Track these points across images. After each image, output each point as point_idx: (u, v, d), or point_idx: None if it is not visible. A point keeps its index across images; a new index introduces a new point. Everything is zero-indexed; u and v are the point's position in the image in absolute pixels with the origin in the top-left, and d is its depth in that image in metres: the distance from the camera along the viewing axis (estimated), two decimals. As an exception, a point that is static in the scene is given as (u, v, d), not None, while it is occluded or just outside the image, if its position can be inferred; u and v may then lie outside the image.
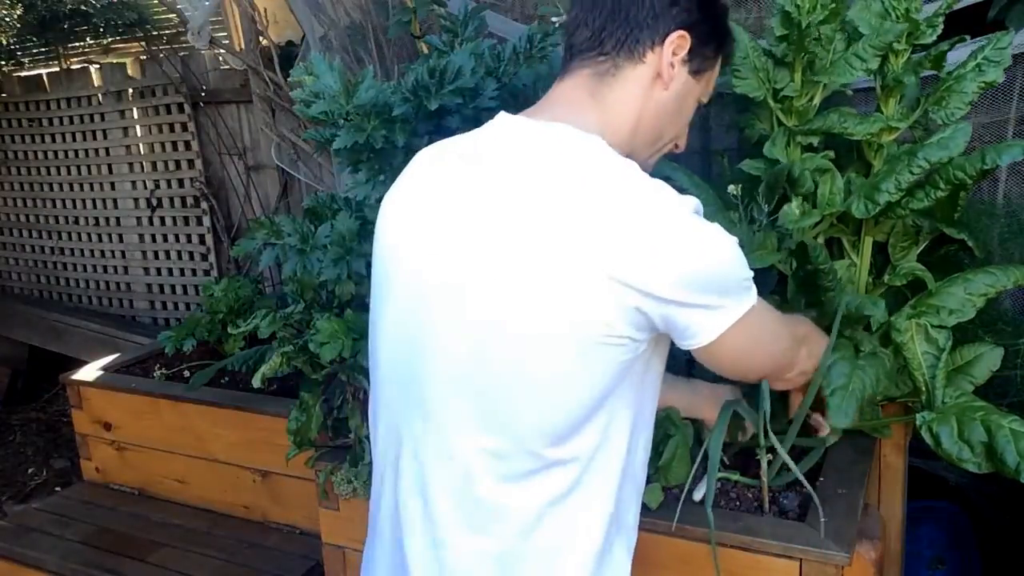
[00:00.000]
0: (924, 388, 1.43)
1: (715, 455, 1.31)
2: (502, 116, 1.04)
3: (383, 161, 1.45)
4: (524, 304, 0.91)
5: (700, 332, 0.95)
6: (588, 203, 0.90)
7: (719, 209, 1.57)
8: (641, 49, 1.00)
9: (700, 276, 0.91)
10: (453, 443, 0.97)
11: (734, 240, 0.95)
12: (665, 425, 1.41)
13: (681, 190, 1.45)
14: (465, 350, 0.95)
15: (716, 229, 0.94)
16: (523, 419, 0.94)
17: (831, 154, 1.53)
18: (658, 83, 1.02)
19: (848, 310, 1.41)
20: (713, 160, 2.00)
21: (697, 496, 1.42)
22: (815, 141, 1.54)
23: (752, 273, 0.98)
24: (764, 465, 1.37)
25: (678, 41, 1.01)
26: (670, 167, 1.60)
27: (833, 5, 1.45)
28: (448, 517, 0.98)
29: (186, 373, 2.47)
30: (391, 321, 1.03)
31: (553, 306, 0.90)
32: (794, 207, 1.49)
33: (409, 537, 1.01)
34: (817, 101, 1.52)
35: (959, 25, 1.61)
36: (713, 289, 0.93)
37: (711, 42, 1.06)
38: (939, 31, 1.43)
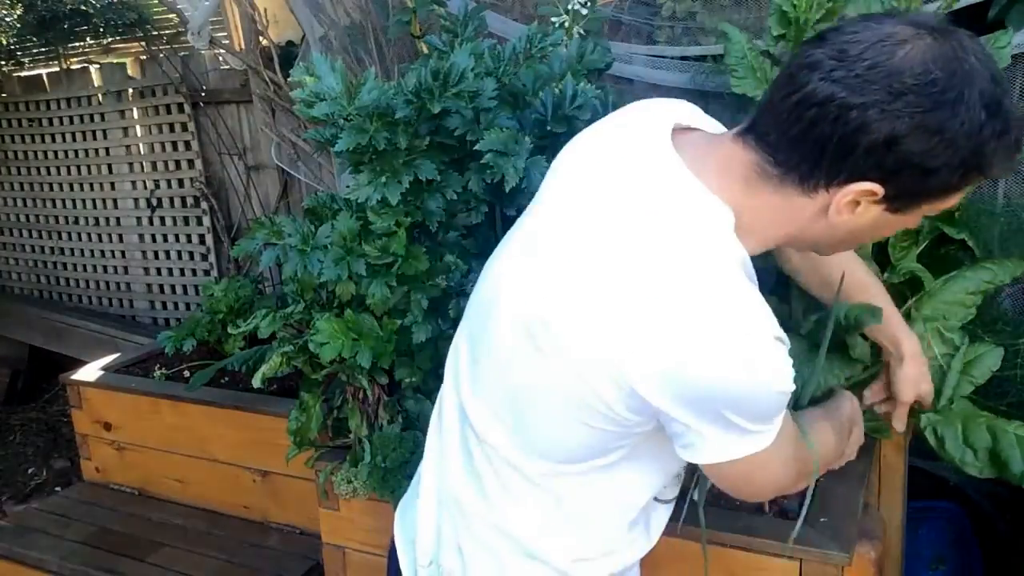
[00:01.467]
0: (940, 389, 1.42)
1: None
2: (667, 148, 0.91)
3: (385, 162, 1.45)
4: (543, 342, 0.90)
5: (697, 449, 0.89)
6: (644, 280, 0.84)
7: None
8: (812, 183, 0.84)
9: (706, 395, 0.84)
10: (481, 424, 1.01)
11: (786, 372, 0.84)
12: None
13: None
14: (509, 342, 0.95)
15: (771, 354, 0.83)
16: (537, 436, 0.96)
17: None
18: (825, 216, 0.86)
19: (846, 320, 1.40)
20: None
21: (697, 496, 1.42)
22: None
23: (782, 407, 0.89)
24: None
25: (861, 193, 0.82)
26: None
27: (830, 4, 1.45)
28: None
29: (186, 373, 2.47)
30: (493, 268, 1.03)
31: (561, 362, 0.89)
32: None
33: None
34: (816, 101, 1.52)
35: (961, 25, 1.60)
36: (718, 411, 0.85)
37: (926, 191, 0.83)
38: (938, 31, 1.42)
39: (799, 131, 0.82)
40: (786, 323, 1.57)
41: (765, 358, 0.83)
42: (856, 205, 0.83)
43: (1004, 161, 0.82)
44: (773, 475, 0.96)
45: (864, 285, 1.27)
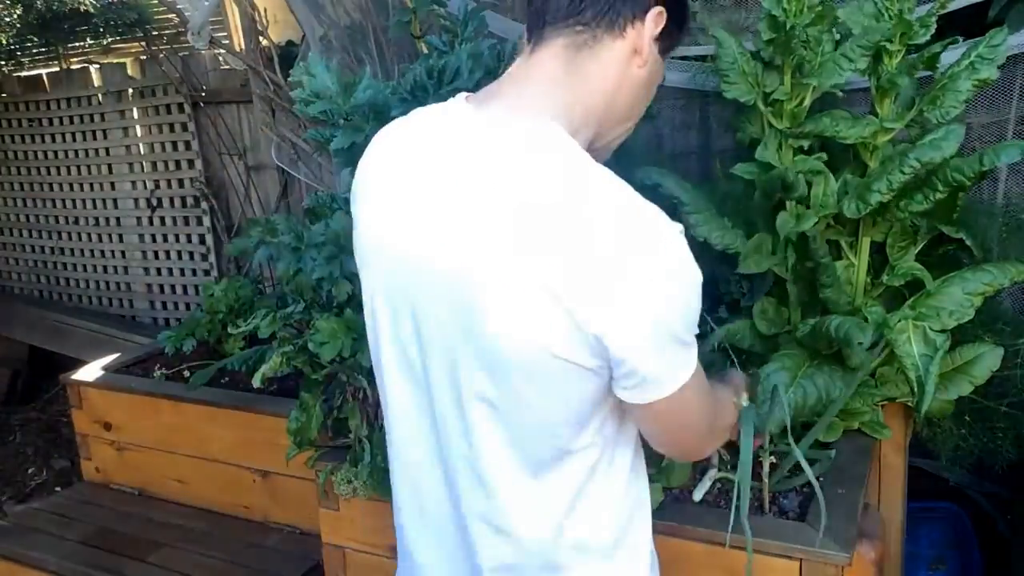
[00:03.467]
0: (916, 389, 1.43)
1: (746, 464, 1.23)
2: (462, 102, 0.96)
3: (382, 161, 1.45)
4: (492, 316, 0.86)
5: (660, 382, 0.87)
6: (568, 218, 0.83)
7: (713, 215, 1.57)
8: (622, 22, 0.93)
9: (676, 321, 0.85)
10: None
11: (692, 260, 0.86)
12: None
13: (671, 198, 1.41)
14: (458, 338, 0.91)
15: (684, 246, 0.85)
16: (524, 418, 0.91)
17: (823, 156, 1.53)
18: (635, 60, 0.95)
19: (837, 335, 1.40)
20: (711, 161, 2.00)
21: (696, 496, 1.43)
22: (807, 143, 1.53)
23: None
24: (766, 467, 1.38)
25: (657, 18, 0.95)
26: (659, 172, 1.60)
27: (820, 8, 1.45)
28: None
29: (186, 373, 2.47)
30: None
31: (513, 325, 0.85)
32: (788, 213, 1.49)
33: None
34: (808, 103, 1.51)
35: (960, 26, 1.61)
36: (681, 335, 0.86)
37: (680, 22, 1.00)
38: (932, 31, 1.42)
39: None
40: (784, 328, 1.58)
41: (686, 252, 0.85)
42: (650, 45, 0.95)
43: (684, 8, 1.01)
44: (696, 414, 0.96)
45: None
